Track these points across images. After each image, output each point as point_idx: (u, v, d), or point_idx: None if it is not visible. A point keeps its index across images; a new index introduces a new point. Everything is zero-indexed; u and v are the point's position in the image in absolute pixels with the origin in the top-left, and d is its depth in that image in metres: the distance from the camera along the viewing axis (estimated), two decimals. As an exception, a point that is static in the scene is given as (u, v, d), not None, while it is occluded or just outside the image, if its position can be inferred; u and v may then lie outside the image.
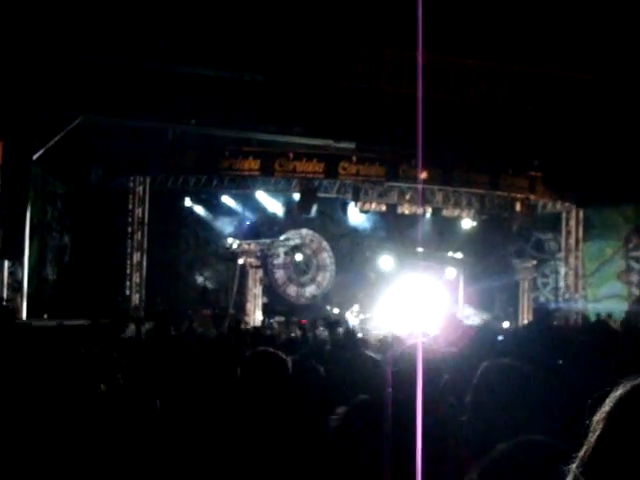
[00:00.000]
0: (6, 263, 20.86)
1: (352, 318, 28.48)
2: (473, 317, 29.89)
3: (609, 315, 25.66)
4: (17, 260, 21.13)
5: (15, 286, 21.17)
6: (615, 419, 1.47)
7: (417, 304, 26.39)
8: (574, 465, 1.52)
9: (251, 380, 5.07)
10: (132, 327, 16.92)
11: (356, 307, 29.95)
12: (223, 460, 4.53)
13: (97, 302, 23.23)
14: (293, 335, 21.59)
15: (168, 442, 4.92)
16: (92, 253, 25.87)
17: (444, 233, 32.46)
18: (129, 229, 27.26)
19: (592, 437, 1.50)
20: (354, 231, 32.99)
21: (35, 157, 21.07)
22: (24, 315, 20.98)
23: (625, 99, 23.78)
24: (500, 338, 15.46)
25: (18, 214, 20.54)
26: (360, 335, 18.70)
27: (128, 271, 27.10)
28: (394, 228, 32.17)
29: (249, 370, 5.16)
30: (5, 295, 20.54)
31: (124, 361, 7.10)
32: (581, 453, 1.52)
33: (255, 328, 23.51)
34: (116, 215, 27.04)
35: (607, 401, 1.51)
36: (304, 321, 28.43)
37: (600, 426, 1.49)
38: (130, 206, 27.24)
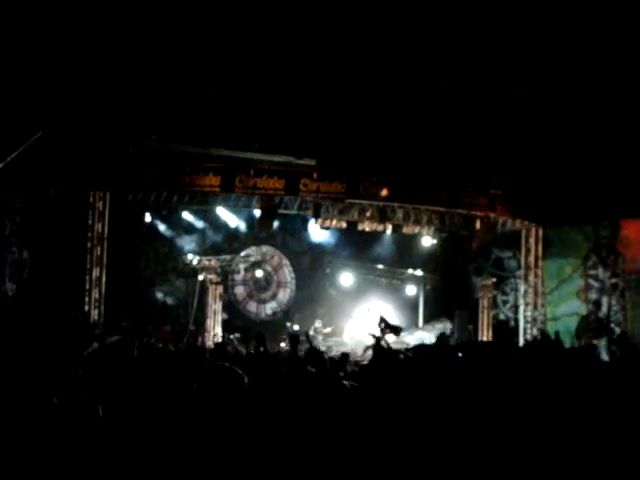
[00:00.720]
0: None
1: (314, 334, 28.51)
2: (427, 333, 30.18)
3: (557, 333, 25.86)
4: (-25, 275, 20.96)
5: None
6: None
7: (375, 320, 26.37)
8: None
9: (207, 394, 5.06)
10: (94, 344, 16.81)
11: (318, 323, 30.02)
12: (178, 472, 4.52)
13: (56, 318, 23.09)
14: (252, 351, 21.57)
15: (120, 453, 4.91)
16: (51, 268, 25.65)
17: (404, 250, 32.60)
18: (89, 244, 27.09)
19: None
20: (315, 248, 33.04)
21: (-6, 171, 20.93)
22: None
23: (586, 118, 23.97)
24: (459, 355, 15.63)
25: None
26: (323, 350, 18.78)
27: (87, 286, 26.92)
28: (355, 245, 32.27)
29: (205, 384, 5.16)
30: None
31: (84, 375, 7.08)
32: None
33: (216, 344, 23.49)
34: (76, 230, 26.86)
35: None
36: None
37: None
38: (90, 221, 27.09)
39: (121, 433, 5.23)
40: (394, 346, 20.11)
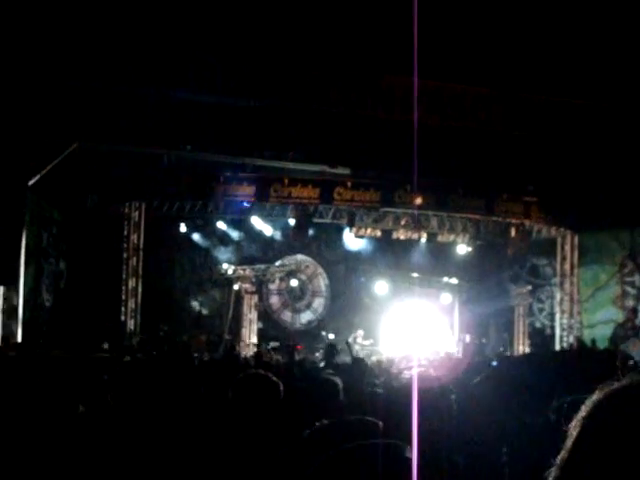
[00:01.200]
0: (1, 289, 20.83)
1: (355, 344, 28.43)
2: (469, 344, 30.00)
3: (593, 341, 25.72)
4: (12, 286, 21.10)
5: (10, 312, 21.13)
6: (590, 423, 1.50)
7: (414, 330, 26.34)
8: (552, 470, 1.54)
9: (242, 401, 5.09)
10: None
11: (360, 333, 29.88)
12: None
13: (93, 328, 23.25)
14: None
15: (156, 460, 4.93)
16: (88, 279, 25.81)
17: (439, 258, 32.49)
18: (124, 255, 27.27)
19: (568, 442, 1.52)
20: (349, 256, 32.99)
21: (31, 183, 21.08)
22: (19, 341, 20.91)
23: (619, 124, 23.84)
24: (494, 363, 15.52)
25: (13, 240, 20.52)
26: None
27: (123, 297, 27.06)
28: (389, 253, 32.20)
29: (240, 392, 5.18)
30: (0, 321, 20.51)
31: (111, 382, 7.11)
32: (558, 458, 1.54)
33: (256, 353, 23.52)
34: (112, 241, 27.02)
35: (583, 407, 1.53)
36: (300, 346, 28.46)
37: (576, 431, 1.51)
38: (125, 232, 27.28)
39: (149, 441, 5.25)
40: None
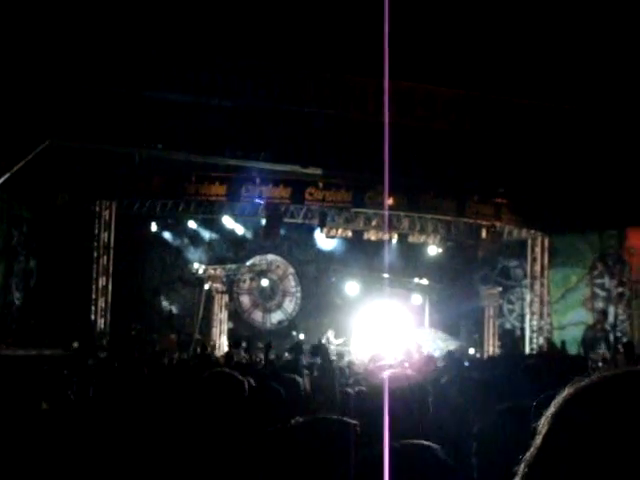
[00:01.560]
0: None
1: (329, 344, 28.42)
2: (440, 342, 30.04)
3: (563, 343, 25.83)
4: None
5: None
6: (559, 420, 1.50)
7: (384, 330, 26.35)
8: (520, 466, 1.54)
9: (207, 399, 5.08)
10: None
11: (330, 333, 29.90)
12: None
13: (63, 327, 23.15)
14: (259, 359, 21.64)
15: (117, 455, 4.91)
16: (58, 277, 25.72)
17: (410, 259, 32.57)
18: (95, 254, 27.13)
19: (537, 439, 1.52)
20: (320, 257, 33.03)
21: (0, 181, 20.96)
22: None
23: (590, 127, 23.97)
24: (466, 364, 15.63)
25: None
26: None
27: (94, 296, 26.93)
28: (360, 254, 32.24)
29: (206, 390, 5.17)
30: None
31: (74, 379, 7.10)
32: (527, 455, 1.54)
33: (227, 353, 23.48)
34: (82, 239, 26.91)
35: (552, 403, 1.53)
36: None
37: (545, 428, 1.51)
38: (96, 230, 27.13)
39: (111, 438, 5.24)
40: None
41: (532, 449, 1.53)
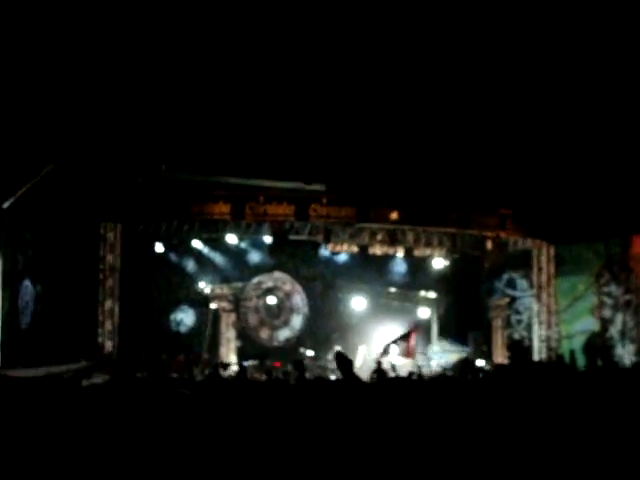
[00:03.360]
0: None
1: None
2: (447, 354, 30.08)
3: (572, 352, 25.77)
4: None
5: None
6: None
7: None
8: None
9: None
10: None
11: (337, 348, 29.90)
12: None
13: (70, 350, 23.11)
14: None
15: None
16: (64, 300, 25.66)
17: (416, 273, 32.56)
18: (100, 276, 27.08)
19: None
20: (326, 273, 32.99)
21: (5, 206, 20.97)
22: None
23: (596, 136, 23.96)
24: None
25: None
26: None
27: (100, 318, 26.88)
28: (366, 269, 32.21)
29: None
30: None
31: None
32: None
33: (238, 373, 23.39)
34: (88, 262, 26.86)
35: None
36: (278, 364, 28.45)
37: None
38: (101, 253, 27.10)
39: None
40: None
41: None
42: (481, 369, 24.98)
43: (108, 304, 27.07)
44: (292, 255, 31.93)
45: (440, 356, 30.52)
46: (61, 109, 20.76)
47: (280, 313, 33.17)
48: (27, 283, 25.10)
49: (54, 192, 23.71)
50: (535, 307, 29.81)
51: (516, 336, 31.15)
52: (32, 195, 21.90)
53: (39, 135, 20.69)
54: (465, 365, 27.10)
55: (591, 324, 28.29)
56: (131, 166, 23.89)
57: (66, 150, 21.61)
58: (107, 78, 21.01)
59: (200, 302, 30.41)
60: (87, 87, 20.70)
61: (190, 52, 21.35)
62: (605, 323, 27.85)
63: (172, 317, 31.31)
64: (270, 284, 32.73)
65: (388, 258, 30.90)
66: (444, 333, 32.87)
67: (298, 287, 33.28)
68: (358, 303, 32.89)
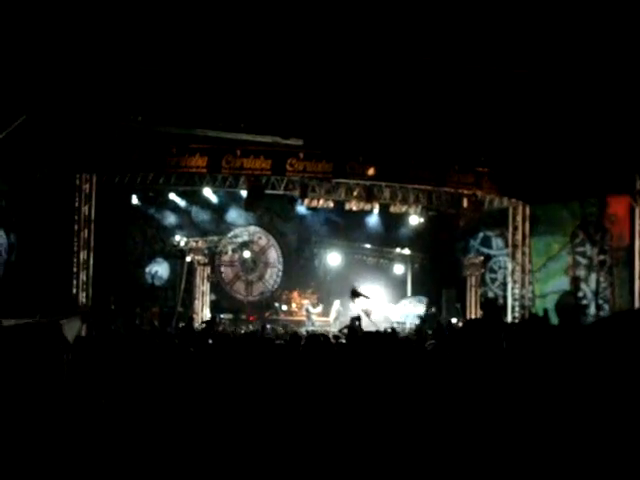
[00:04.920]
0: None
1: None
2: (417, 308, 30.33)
3: (545, 311, 25.96)
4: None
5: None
6: None
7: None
8: None
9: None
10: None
11: (307, 303, 30.14)
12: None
13: (44, 301, 23.03)
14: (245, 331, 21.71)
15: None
16: (39, 251, 25.57)
17: (392, 229, 32.62)
18: (76, 227, 26.97)
19: None
20: (302, 228, 33.02)
21: (-22, 156, 20.84)
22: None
23: (573, 95, 23.93)
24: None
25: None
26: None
27: (75, 269, 26.81)
28: (342, 225, 32.26)
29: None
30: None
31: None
32: None
33: (206, 321, 23.42)
34: (63, 213, 26.72)
35: None
36: (252, 318, 28.51)
37: None
38: (77, 204, 26.96)
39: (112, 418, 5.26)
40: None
41: None
42: (450, 325, 25.20)
43: (83, 255, 26.99)
44: (268, 210, 31.92)
45: (407, 313, 30.77)
46: (34, 58, 20.55)
47: (255, 267, 33.22)
48: (1, 233, 25.01)
49: (28, 143, 23.54)
50: (509, 266, 29.94)
51: (490, 294, 31.31)
52: (5, 145, 21.72)
53: (11, 85, 20.49)
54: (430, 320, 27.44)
55: (565, 284, 28.44)
56: (107, 117, 23.71)
57: (40, 100, 21.40)
58: (82, 27, 20.79)
59: (175, 255, 30.37)
60: (61, 35, 20.47)
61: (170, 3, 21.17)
62: (578, 282, 28.01)
63: (147, 270, 31.31)
64: (245, 238, 32.76)
65: (364, 214, 30.89)
66: (418, 290, 33.02)
67: (273, 242, 33.31)
68: (333, 259, 32.96)
